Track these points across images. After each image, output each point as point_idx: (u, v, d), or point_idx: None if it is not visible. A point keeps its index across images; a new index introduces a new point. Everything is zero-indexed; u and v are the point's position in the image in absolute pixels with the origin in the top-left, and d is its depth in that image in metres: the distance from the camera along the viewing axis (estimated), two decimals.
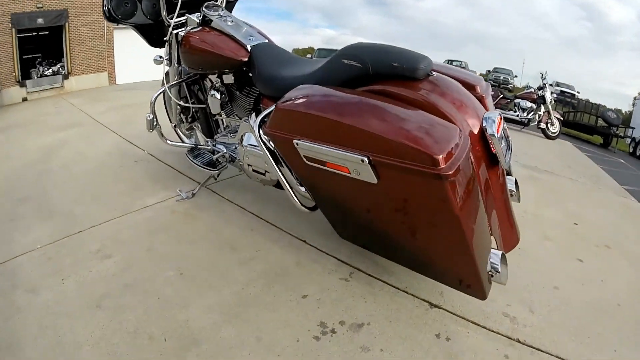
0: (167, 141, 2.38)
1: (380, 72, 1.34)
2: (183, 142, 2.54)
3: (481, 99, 1.45)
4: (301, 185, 1.48)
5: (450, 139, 1.04)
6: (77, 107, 5.94)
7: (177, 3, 1.97)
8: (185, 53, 2.02)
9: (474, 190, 1.13)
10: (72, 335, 1.31)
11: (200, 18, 2.03)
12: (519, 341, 1.40)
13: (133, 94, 6.78)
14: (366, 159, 1.08)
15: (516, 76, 19.58)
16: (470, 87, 1.45)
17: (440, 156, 0.99)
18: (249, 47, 1.86)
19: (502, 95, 7.44)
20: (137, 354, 1.24)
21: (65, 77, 10.12)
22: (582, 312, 1.60)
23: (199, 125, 2.47)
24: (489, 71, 20.81)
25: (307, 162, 1.25)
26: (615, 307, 1.67)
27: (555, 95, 7.49)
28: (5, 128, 4.93)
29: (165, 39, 2.19)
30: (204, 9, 2.01)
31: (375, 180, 1.10)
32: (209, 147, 2.31)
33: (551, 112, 6.76)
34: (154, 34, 2.29)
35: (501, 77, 18.48)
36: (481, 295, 1.27)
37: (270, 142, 1.43)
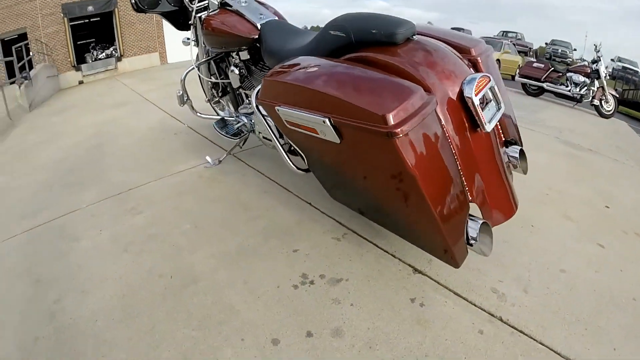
0: (198, 114, 2.62)
1: (362, 40, 1.39)
2: (214, 114, 2.78)
3: (475, 62, 1.44)
4: (291, 149, 1.61)
5: (403, 98, 1.07)
6: (128, 86, 6.60)
7: None
8: (207, 34, 2.21)
9: (439, 152, 1.15)
10: (101, 272, 1.60)
11: (219, 1, 2.19)
12: (500, 319, 1.34)
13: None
14: (327, 120, 1.17)
15: (575, 49, 17.70)
16: (463, 50, 1.44)
17: (390, 115, 1.03)
18: (258, 25, 2.00)
19: (552, 68, 6.70)
20: (148, 287, 1.49)
21: (118, 59, 11.09)
22: (586, 301, 1.45)
23: (229, 99, 2.69)
24: (546, 44, 19.00)
25: (289, 126, 1.37)
26: (629, 302, 1.47)
27: (611, 71, 6.69)
28: (62, 110, 5.67)
29: (190, 22, 2.40)
30: None
31: (338, 140, 1.19)
32: (234, 119, 2.52)
33: (606, 88, 5.97)
34: (180, 19, 2.51)
35: (559, 50, 17.27)
36: (454, 263, 1.26)
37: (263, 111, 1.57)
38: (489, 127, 1.26)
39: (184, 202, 2.15)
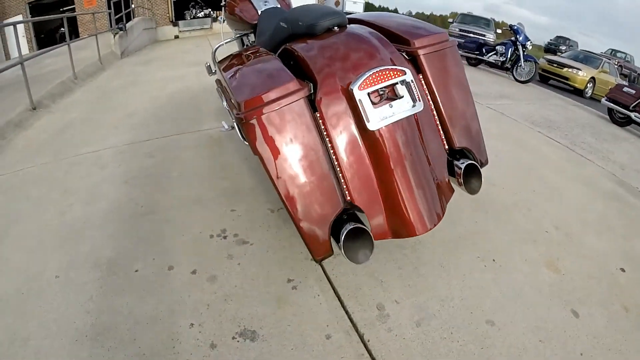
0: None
1: (295, 32, 1.51)
2: None
3: (415, 56, 1.40)
4: None
5: (261, 89, 1.17)
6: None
7: None
8: (226, 17, 2.68)
9: (298, 141, 1.17)
10: (108, 193, 2.23)
11: None
12: (360, 337, 1.31)
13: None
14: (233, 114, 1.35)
15: None
16: (403, 42, 1.42)
17: (243, 102, 1.15)
18: (259, 12, 2.33)
19: None
20: (125, 208, 2.07)
21: (214, 19, 12.14)
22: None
23: None
24: None
25: None
26: None
27: None
28: (147, 61, 6.67)
29: (221, 4, 2.87)
30: None
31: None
32: None
33: None
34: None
35: None
36: (312, 254, 1.24)
37: None
38: (371, 125, 1.19)
39: (185, 155, 2.71)
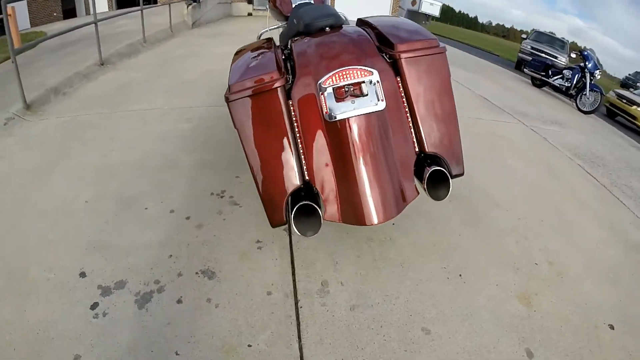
0: None
1: (298, 29, 1.74)
2: None
3: (396, 59, 1.46)
4: None
5: (244, 76, 1.37)
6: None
7: None
8: (270, 8, 2.96)
9: (269, 122, 1.35)
10: (144, 145, 2.67)
11: None
12: (296, 302, 1.49)
13: None
14: None
15: None
16: (389, 44, 1.49)
17: (230, 86, 1.37)
18: (293, 5, 2.51)
19: None
20: (152, 158, 2.48)
21: None
22: None
23: None
24: None
25: None
26: None
27: None
28: (214, 34, 7.18)
29: None
30: None
31: None
32: None
33: None
34: None
35: None
36: (268, 219, 1.40)
37: None
38: (328, 116, 1.32)
39: (217, 125, 3.09)
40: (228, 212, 2.03)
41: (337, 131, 1.35)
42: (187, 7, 7.53)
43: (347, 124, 1.32)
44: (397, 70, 1.47)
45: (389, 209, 1.34)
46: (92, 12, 4.48)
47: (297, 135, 1.39)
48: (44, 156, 2.46)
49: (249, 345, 1.30)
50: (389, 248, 1.85)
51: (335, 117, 1.32)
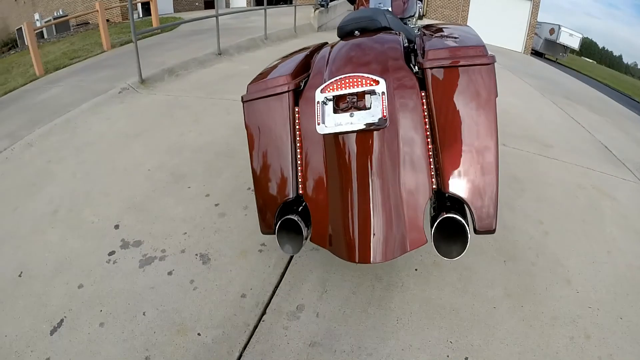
0: None
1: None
2: None
3: (424, 71, 1.23)
4: None
5: (260, 79, 1.43)
6: None
7: None
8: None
9: (273, 128, 1.35)
10: (217, 132, 3.08)
11: None
12: (260, 317, 1.53)
13: None
14: None
15: None
16: (423, 55, 1.29)
17: (247, 86, 1.43)
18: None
19: None
20: (174, 131, 2.86)
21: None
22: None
23: None
24: None
25: None
26: None
27: None
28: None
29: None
30: None
31: None
32: None
33: None
34: None
35: None
36: (260, 227, 1.43)
37: None
38: (320, 129, 1.18)
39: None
40: (252, 209, 2.24)
41: (332, 146, 1.24)
42: (315, 10, 8.08)
43: (340, 140, 1.20)
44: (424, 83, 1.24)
45: (381, 249, 1.17)
46: (234, 4, 5.17)
47: (298, 144, 1.33)
48: (138, 124, 3.03)
49: (199, 334, 1.46)
50: (394, 296, 1.63)
51: (325, 129, 1.18)
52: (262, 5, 6.14)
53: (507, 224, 2.14)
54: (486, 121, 1.19)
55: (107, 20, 6.81)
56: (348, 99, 1.19)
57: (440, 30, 1.50)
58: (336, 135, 1.20)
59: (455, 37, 1.35)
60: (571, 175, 2.88)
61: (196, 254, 1.84)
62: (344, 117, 1.16)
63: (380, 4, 2.52)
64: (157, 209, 2.12)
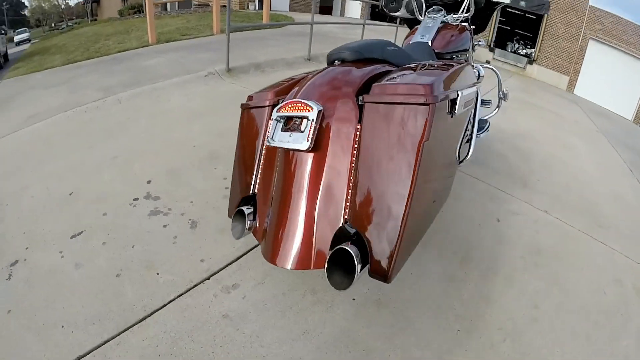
0: None
1: None
2: None
3: (362, 105, 1.32)
4: None
5: (256, 93, 1.71)
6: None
7: (423, 5, 3.05)
8: None
9: (250, 135, 1.64)
10: None
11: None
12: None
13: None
14: None
15: None
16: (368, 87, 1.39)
17: (247, 97, 1.74)
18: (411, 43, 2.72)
19: None
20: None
21: (530, 62, 11.55)
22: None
23: None
24: None
25: None
26: None
27: None
28: None
29: None
30: (427, 12, 2.97)
31: None
32: None
33: None
34: (414, 24, 3.37)
35: None
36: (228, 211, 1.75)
37: None
38: (267, 141, 1.39)
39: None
40: None
41: (277, 158, 1.48)
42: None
43: (281, 153, 1.43)
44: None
45: (286, 256, 1.31)
46: (348, 13, 5.68)
47: (263, 151, 1.57)
48: (207, 106, 3.73)
49: (157, 274, 1.98)
50: (317, 311, 1.77)
51: (272, 143, 1.37)
52: (379, 18, 6.53)
53: (489, 295, 1.99)
54: (406, 167, 1.17)
55: (223, 6, 7.47)
56: (295, 121, 1.35)
57: (424, 66, 1.58)
58: (280, 148, 1.42)
59: (421, 74, 1.42)
60: (612, 265, 2.48)
61: (190, 219, 2.40)
62: (285, 135, 1.35)
63: (423, 37, 2.62)
64: (185, 178, 2.74)
